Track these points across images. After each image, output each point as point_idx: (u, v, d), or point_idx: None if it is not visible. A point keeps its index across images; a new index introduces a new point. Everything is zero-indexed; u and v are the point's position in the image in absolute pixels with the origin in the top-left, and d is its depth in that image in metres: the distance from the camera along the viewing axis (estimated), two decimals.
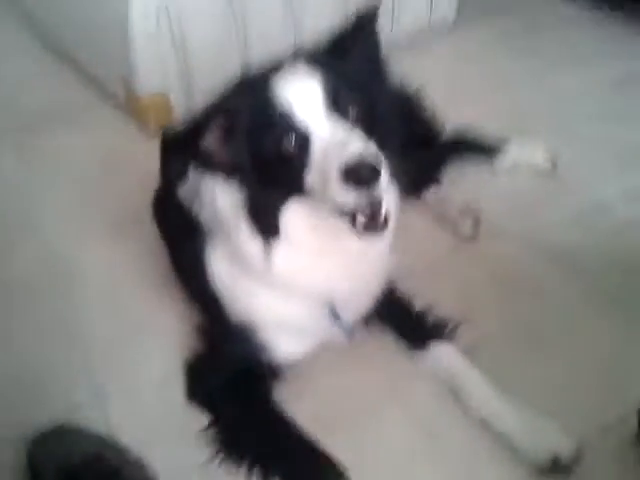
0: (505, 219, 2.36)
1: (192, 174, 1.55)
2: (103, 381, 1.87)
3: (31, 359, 1.92)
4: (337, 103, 1.35)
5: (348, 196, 1.27)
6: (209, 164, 1.42)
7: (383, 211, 1.35)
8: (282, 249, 1.49)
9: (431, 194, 2.42)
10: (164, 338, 1.97)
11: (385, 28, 3.30)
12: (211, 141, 1.39)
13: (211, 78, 2.55)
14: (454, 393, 1.77)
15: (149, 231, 2.09)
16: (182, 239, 1.79)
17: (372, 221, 1.35)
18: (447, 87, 3.08)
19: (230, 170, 1.43)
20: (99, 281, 2.18)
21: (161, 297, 2.07)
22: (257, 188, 1.43)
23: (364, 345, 1.90)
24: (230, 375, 1.71)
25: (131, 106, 2.87)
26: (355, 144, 1.27)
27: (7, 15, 3.68)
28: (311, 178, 1.34)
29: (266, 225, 1.46)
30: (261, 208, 1.45)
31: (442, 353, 1.82)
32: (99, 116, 2.94)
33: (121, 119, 2.91)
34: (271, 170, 1.39)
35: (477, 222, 2.28)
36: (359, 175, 1.24)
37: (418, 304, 1.95)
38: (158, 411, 1.79)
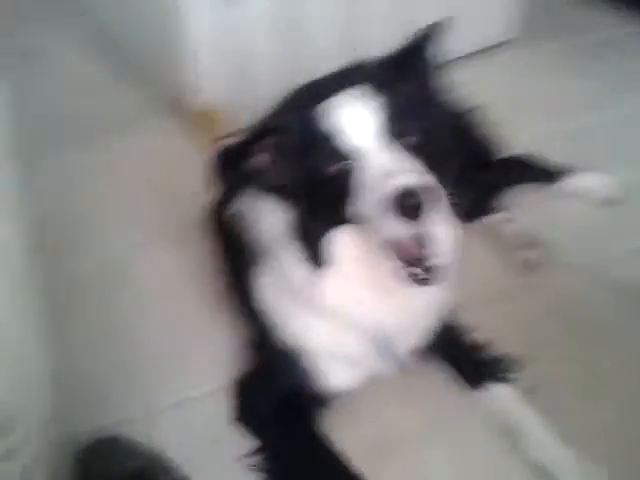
0: (569, 250, 2.28)
1: (244, 193, 1.53)
2: (154, 396, 1.86)
3: (85, 367, 1.92)
4: (393, 130, 1.30)
5: (397, 227, 1.23)
6: (259, 181, 1.39)
7: (440, 264, 1.31)
8: (330, 277, 1.44)
9: (491, 221, 2.35)
10: (215, 354, 1.95)
11: (447, 41, 3.24)
12: (262, 157, 1.36)
13: (267, 94, 2.62)
14: (511, 436, 1.71)
15: (204, 242, 2.07)
16: (233, 257, 1.77)
17: (428, 275, 1.32)
18: (508, 105, 2.99)
19: (280, 190, 1.39)
20: (154, 290, 2.18)
21: (214, 311, 2.05)
22: (306, 211, 1.39)
23: (417, 378, 1.85)
24: (277, 400, 1.68)
25: (186, 118, 2.87)
26: (407, 174, 1.22)
27: (78, 26, 3.72)
28: (360, 206, 1.30)
29: (315, 251, 1.42)
30: (310, 233, 1.41)
31: (500, 395, 1.76)
32: (156, 126, 2.94)
33: (177, 130, 2.91)
34: (321, 194, 1.35)
35: (540, 253, 2.21)
36: (407, 205, 1.20)
37: (476, 339, 1.89)
38: (206, 430, 1.77)
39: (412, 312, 1.54)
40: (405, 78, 1.40)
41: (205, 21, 2.56)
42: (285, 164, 1.36)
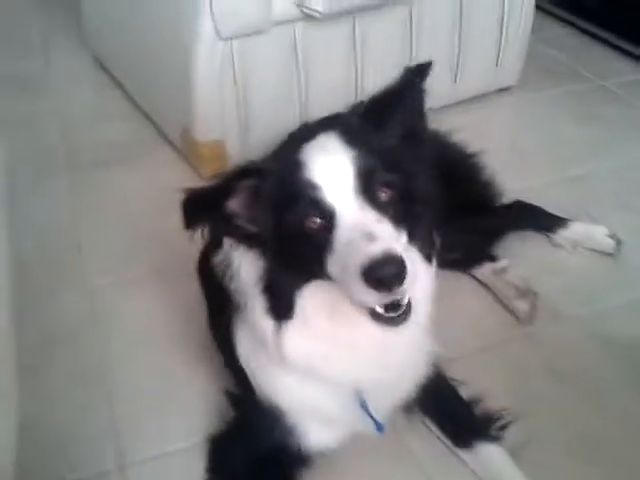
0: (563, 301, 2.24)
1: (227, 243, 1.49)
2: (130, 448, 1.80)
3: (59, 418, 1.87)
4: (369, 185, 1.24)
5: (367, 295, 1.19)
6: (230, 227, 1.33)
7: (404, 302, 1.25)
8: (296, 332, 1.38)
9: (486, 269, 2.31)
10: (195, 405, 1.90)
11: (447, 86, 3.27)
12: (236, 201, 1.31)
13: (269, 129, 2.63)
14: None
15: (193, 284, 2.01)
16: (217, 307, 1.73)
17: (391, 313, 1.26)
18: (507, 152, 3.01)
19: (252, 238, 1.35)
20: (138, 334, 2.13)
21: (197, 358, 2.00)
22: (277, 263, 1.34)
23: (402, 435, 1.80)
24: (254, 458, 1.62)
25: (188, 151, 2.87)
26: (380, 242, 1.17)
27: (78, 54, 3.77)
28: (333, 264, 1.25)
29: (280, 303, 1.37)
30: (278, 284, 1.36)
31: (488, 454, 1.70)
32: (156, 158, 2.95)
33: (177, 162, 2.92)
34: (293, 246, 1.30)
35: (535, 304, 2.17)
36: (380, 278, 1.15)
37: (466, 393, 1.84)
38: None
39: (390, 370, 1.47)
40: (384, 126, 1.36)
41: (213, 57, 2.56)
42: (259, 211, 1.31)
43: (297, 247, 1.29)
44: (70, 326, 2.15)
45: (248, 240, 1.35)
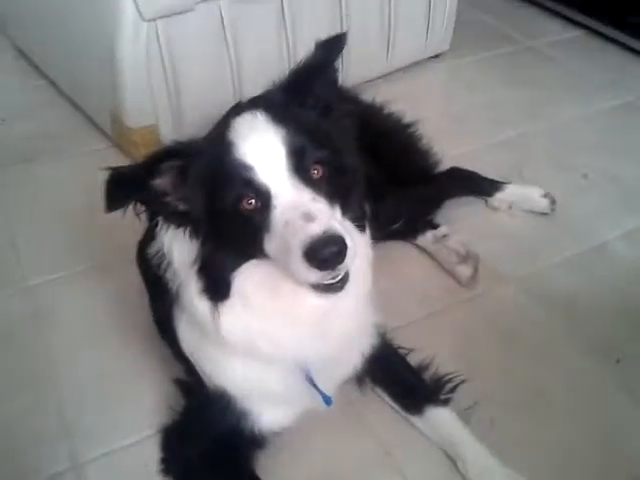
0: (504, 263, 2.30)
1: (160, 232, 1.46)
2: (82, 447, 1.77)
3: (11, 417, 1.83)
4: (301, 164, 1.25)
5: (310, 275, 1.20)
6: (158, 205, 1.30)
7: (341, 271, 1.25)
8: (233, 311, 1.37)
9: (427, 237, 2.35)
10: (146, 397, 1.87)
11: (381, 57, 3.26)
12: (163, 181, 1.29)
13: (202, 111, 2.58)
14: (451, 460, 1.70)
15: (134, 275, 1.95)
16: (157, 297, 1.70)
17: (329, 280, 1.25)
18: (442, 118, 3.05)
19: (182, 218, 1.33)
20: (81, 330, 2.08)
21: (144, 350, 1.97)
22: (211, 243, 1.32)
23: (355, 407, 1.83)
24: (208, 444, 1.61)
25: (120, 138, 2.79)
26: (319, 222, 1.18)
27: (1, 49, 3.59)
28: (271, 244, 1.25)
29: (216, 283, 1.35)
30: (213, 265, 1.34)
31: (439, 419, 1.74)
32: (87, 147, 2.87)
33: (110, 150, 2.84)
34: (227, 226, 1.29)
35: (476, 267, 2.21)
36: (322, 258, 1.16)
37: (415, 360, 1.87)
38: None
39: (333, 342, 1.46)
40: (305, 102, 1.36)
41: (138, 40, 2.48)
42: (188, 190, 1.29)
43: (232, 227, 1.28)
44: (10, 326, 2.09)
45: (179, 218, 1.33)
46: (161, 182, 1.29)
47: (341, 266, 1.20)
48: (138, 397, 1.87)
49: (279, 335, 1.41)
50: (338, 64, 1.39)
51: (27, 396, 1.88)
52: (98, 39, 2.58)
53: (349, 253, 1.19)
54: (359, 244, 1.36)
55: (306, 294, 1.31)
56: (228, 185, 1.24)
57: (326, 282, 1.24)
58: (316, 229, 1.17)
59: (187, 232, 1.34)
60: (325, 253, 1.16)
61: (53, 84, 3.21)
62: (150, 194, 1.28)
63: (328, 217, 1.21)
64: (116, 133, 2.80)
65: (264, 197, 1.23)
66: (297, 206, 1.21)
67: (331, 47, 1.37)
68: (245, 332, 1.40)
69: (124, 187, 1.24)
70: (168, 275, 1.46)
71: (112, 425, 1.81)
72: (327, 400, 1.58)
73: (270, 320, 1.39)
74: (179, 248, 1.41)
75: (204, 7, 2.57)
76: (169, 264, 1.45)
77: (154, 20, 2.47)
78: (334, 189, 1.29)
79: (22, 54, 3.46)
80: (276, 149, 1.24)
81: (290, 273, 1.24)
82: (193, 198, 1.30)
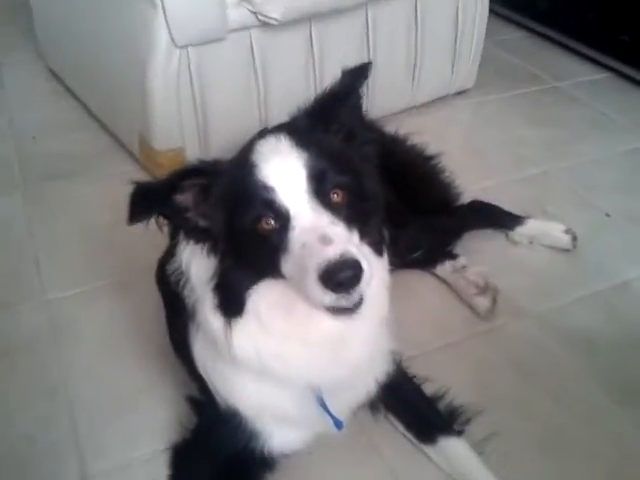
0: (523, 297, 2.28)
1: (180, 251, 1.49)
2: (92, 459, 1.77)
3: (25, 428, 1.84)
4: (321, 188, 1.26)
5: (325, 297, 1.20)
6: (180, 219, 1.33)
7: (356, 294, 1.24)
8: (246, 329, 1.37)
9: (447, 266, 2.34)
10: (158, 412, 1.87)
11: (406, 90, 3.31)
12: (185, 197, 1.31)
13: (228, 136, 2.62)
14: None
15: (153, 293, 1.97)
16: (174, 314, 1.71)
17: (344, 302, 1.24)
18: (466, 152, 3.08)
19: (201, 234, 1.35)
20: (98, 344, 2.09)
21: (159, 366, 1.98)
22: (228, 260, 1.34)
23: (367, 433, 1.81)
24: (217, 463, 1.60)
25: (146, 159, 2.85)
26: (336, 245, 1.18)
27: (33, 67, 3.72)
28: (287, 265, 1.26)
29: (230, 300, 1.36)
30: (229, 282, 1.35)
31: (452, 449, 1.71)
32: (114, 168, 2.91)
33: (136, 172, 2.87)
34: (245, 245, 1.30)
35: (495, 300, 2.20)
36: (337, 281, 1.17)
37: (429, 389, 1.85)
38: None
39: (346, 366, 1.45)
40: (329, 127, 1.38)
41: (170, 65, 2.54)
42: (209, 207, 1.32)
43: (250, 246, 1.29)
44: (29, 339, 2.11)
45: (198, 234, 1.35)
46: (183, 198, 1.32)
47: (356, 290, 1.21)
48: (150, 412, 1.87)
49: (291, 356, 1.40)
50: (363, 92, 1.42)
51: (43, 407, 1.89)
52: (130, 63, 2.65)
53: (365, 277, 1.19)
54: (376, 268, 1.36)
55: (321, 316, 1.30)
56: (248, 205, 1.26)
57: (341, 305, 1.24)
58: (333, 252, 1.17)
59: (205, 249, 1.36)
60: (341, 277, 1.17)
61: (84, 106, 3.29)
62: (172, 209, 1.31)
63: (345, 241, 1.22)
64: (143, 155, 2.85)
65: (283, 218, 1.24)
66: (315, 228, 1.22)
67: (356, 75, 1.39)
68: (257, 351, 1.39)
69: (147, 200, 1.27)
70: (185, 292, 1.47)
71: (123, 439, 1.81)
72: (338, 424, 1.57)
73: (283, 341, 1.39)
74: (197, 264, 1.42)
75: (235, 36, 2.63)
76: (187, 281, 1.47)
77: (186, 47, 2.54)
78: (353, 214, 1.30)
79: (55, 76, 3.57)
80: (297, 172, 1.26)
81: (305, 294, 1.24)
82: (213, 216, 1.32)
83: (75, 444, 1.80)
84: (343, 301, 1.22)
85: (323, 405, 1.51)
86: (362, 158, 1.42)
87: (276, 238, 1.25)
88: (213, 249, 1.35)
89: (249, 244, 1.29)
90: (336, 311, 1.26)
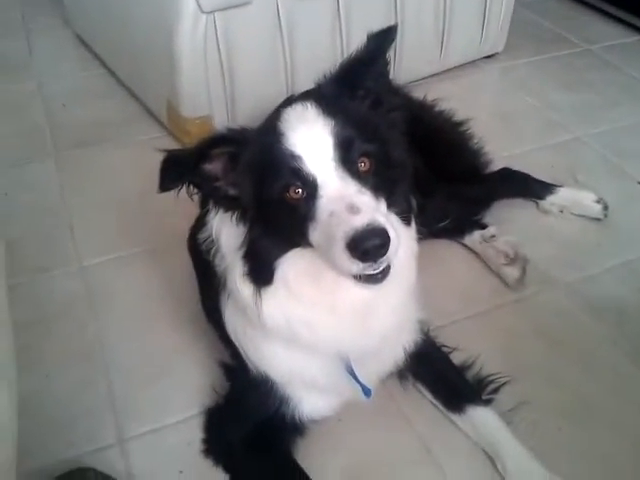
0: (553, 266, 2.27)
1: (210, 219, 1.50)
2: (128, 423, 1.82)
3: (62, 391, 1.88)
4: (348, 156, 1.26)
5: (352, 266, 1.21)
6: (209, 188, 1.34)
7: (383, 263, 1.24)
8: (275, 297, 1.39)
9: (475, 236, 2.33)
10: (191, 377, 1.92)
11: (434, 54, 3.25)
12: (215, 165, 1.32)
13: (255, 103, 2.61)
14: (491, 460, 1.70)
15: (185, 259, 2.00)
16: (206, 282, 1.73)
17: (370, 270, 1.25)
18: (495, 119, 3.03)
19: (231, 202, 1.36)
20: (132, 310, 2.13)
21: (191, 331, 2.02)
22: (258, 229, 1.35)
23: (396, 401, 1.83)
24: (249, 428, 1.64)
25: (174, 127, 2.85)
26: (363, 214, 1.18)
27: (60, 33, 3.73)
28: (315, 234, 1.26)
29: (260, 268, 1.37)
30: (259, 250, 1.36)
31: (480, 418, 1.73)
32: (142, 135, 2.93)
33: (164, 139, 2.89)
34: (274, 214, 1.31)
35: (524, 270, 2.19)
36: (364, 250, 1.17)
37: (458, 359, 1.87)
38: (178, 460, 1.72)
39: (374, 335, 1.46)
40: (356, 94, 1.37)
41: (197, 32, 2.53)
42: (238, 176, 1.32)
43: (278, 215, 1.30)
44: (64, 304, 2.15)
45: (228, 203, 1.36)
46: (212, 167, 1.33)
47: (383, 258, 1.21)
48: (184, 378, 1.92)
49: (319, 324, 1.42)
50: (389, 57, 1.40)
51: (79, 371, 1.94)
52: (158, 30, 2.64)
53: (392, 246, 1.20)
54: (403, 237, 1.38)
55: (348, 285, 1.32)
56: (276, 174, 1.27)
57: (367, 273, 1.25)
58: (360, 221, 1.17)
59: (235, 217, 1.37)
60: (368, 245, 1.17)
61: (112, 73, 3.30)
62: (202, 177, 1.32)
63: (373, 210, 1.22)
64: (171, 122, 2.86)
65: (311, 187, 1.25)
66: (343, 197, 1.22)
67: (382, 39, 1.37)
68: (286, 319, 1.41)
69: (177, 169, 1.28)
70: (216, 260, 1.49)
71: (158, 403, 1.85)
72: (366, 392, 1.59)
73: (311, 309, 1.41)
74: (227, 232, 1.44)
75: (261, 0, 2.60)
76: (217, 249, 1.48)
77: (213, 12, 2.52)
78: (380, 182, 1.30)
79: (83, 43, 3.57)
80: (324, 140, 1.26)
81: (333, 263, 1.25)
82: (242, 184, 1.33)
83: (111, 407, 1.85)
84: (370, 270, 1.23)
85: (352, 373, 1.54)
86: (389, 125, 1.41)
87: (304, 207, 1.25)
88: (242, 217, 1.36)
89: (277, 213, 1.30)
90: (363, 279, 1.27)
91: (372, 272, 1.25)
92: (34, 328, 2.04)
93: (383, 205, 1.31)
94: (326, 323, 1.42)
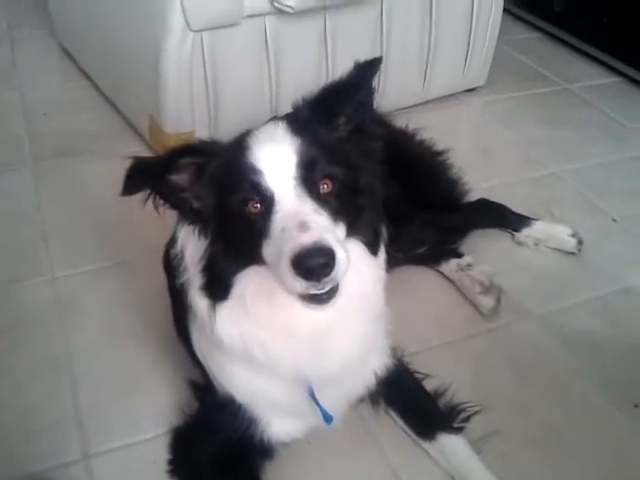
0: (526, 297, 2.29)
1: (177, 232, 1.50)
2: (94, 438, 1.78)
3: (29, 403, 1.85)
4: (310, 176, 1.26)
5: (296, 284, 1.19)
6: (176, 200, 1.33)
7: (327, 284, 1.22)
8: (230, 313, 1.38)
9: (452, 264, 2.34)
10: (160, 395, 1.88)
11: (417, 85, 3.30)
12: (181, 176, 1.31)
13: (239, 123, 2.60)
14: None
15: (159, 274, 1.96)
16: (177, 300, 1.70)
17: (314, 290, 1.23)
18: (474, 150, 3.08)
19: (194, 215, 1.35)
20: (103, 323, 2.10)
21: (163, 349, 1.98)
22: (217, 243, 1.34)
23: (367, 426, 1.82)
24: (216, 449, 1.61)
25: (155, 142, 2.84)
26: (312, 232, 1.18)
27: (45, 44, 3.73)
28: (268, 249, 1.25)
29: (216, 283, 1.37)
30: (216, 264, 1.36)
31: (450, 446, 1.72)
32: (122, 149, 2.88)
33: (144, 153, 2.87)
34: (233, 228, 1.31)
35: (499, 300, 2.21)
36: (307, 267, 1.16)
37: (430, 386, 1.86)
38: (143, 478, 1.69)
39: (333, 361, 1.44)
40: (333, 119, 1.37)
41: (183, 50, 2.54)
42: (202, 188, 1.32)
43: (236, 229, 1.30)
44: (34, 315, 2.12)
45: (192, 215, 1.36)
46: (179, 178, 1.32)
47: (327, 278, 1.19)
48: (152, 395, 1.88)
49: (274, 345, 1.40)
50: (374, 88, 1.40)
51: (46, 383, 1.90)
52: (144, 46, 2.65)
53: (338, 267, 1.18)
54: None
55: (303, 308, 1.30)
56: (237, 187, 1.27)
57: (312, 292, 1.23)
58: (308, 239, 1.17)
59: (197, 230, 1.37)
60: (311, 263, 1.16)
61: (95, 86, 3.30)
62: (168, 188, 1.31)
63: (323, 229, 1.21)
64: (153, 137, 2.85)
65: (268, 201, 1.24)
66: (296, 214, 1.22)
67: (366, 69, 1.38)
68: (240, 336, 1.40)
69: (143, 175, 1.27)
70: (180, 273, 1.49)
71: (124, 420, 1.82)
72: (327, 418, 1.57)
73: (266, 328, 1.39)
74: (191, 246, 1.44)
75: (250, 22, 2.63)
76: (182, 262, 1.48)
77: (201, 31, 2.53)
78: (343, 207, 1.30)
79: (68, 54, 3.57)
80: (287, 158, 1.26)
81: (280, 281, 1.24)
82: (205, 197, 1.33)
83: (77, 422, 1.81)
84: (314, 289, 1.21)
85: (313, 397, 1.52)
86: (363, 153, 1.40)
87: (260, 222, 1.25)
88: (204, 230, 1.36)
89: (236, 227, 1.30)
90: (307, 299, 1.26)
91: (317, 292, 1.23)
92: (4, 337, 2.00)
93: (341, 229, 1.31)
94: (280, 344, 1.41)
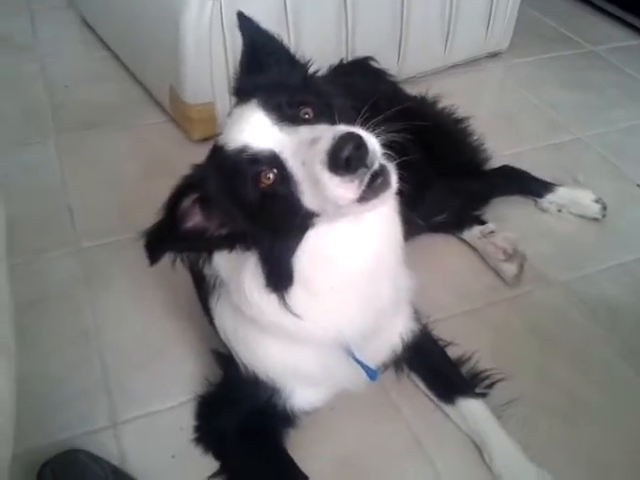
0: (549, 265, 2.28)
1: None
2: (121, 406, 1.82)
3: (58, 372, 1.89)
4: (285, 112, 1.24)
5: (346, 188, 1.13)
6: (204, 243, 1.32)
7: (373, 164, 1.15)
8: (301, 295, 1.35)
9: (474, 231, 2.33)
10: (185, 364, 1.92)
11: (438, 50, 3.25)
12: (194, 221, 1.30)
13: None
14: (481, 452, 1.71)
15: None
16: (198, 280, 1.73)
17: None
18: (496, 116, 3.03)
19: (231, 240, 1.32)
20: (128, 294, 2.13)
21: (187, 319, 2.01)
22: (264, 242, 1.31)
23: (389, 392, 1.85)
24: (240, 418, 1.65)
25: (177, 113, 2.85)
26: (325, 136, 1.13)
27: (65, 15, 3.71)
28: (308, 196, 1.20)
29: (280, 273, 1.32)
30: (274, 259, 1.31)
31: (471, 409, 1.74)
32: (144, 120, 2.92)
33: (166, 124, 2.89)
34: (268, 213, 1.26)
35: (522, 267, 2.20)
36: (346, 158, 1.10)
37: (453, 352, 1.88)
38: (170, 445, 1.73)
39: (376, 319, 1.46)
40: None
41: (202, 18, 2.51)
42: (219, 212, 1.30)
43: (272, 210, 1.26)
44: (61, 286, 2.15)
45: (229, 243, 1.33)
46: (193, 223, 1.31)
47: (369, 159, 1.13)
48: (178, 363, 1.92)
49: (332, 312, 1.39)
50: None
51: (74, 352, 1.94)
52: (163, 15, 2.63)
53: (370, 145, 1.13)
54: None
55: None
56: (242, 177, 1.24)
57: (366, 185, 1.15)
58: (326, 140, 1.13)
59: (239, 249, 1.34)
60: (345, 151, 1.10)
61: (116, 57, 3.28)
62: (191, 238, 1.31)
63: (331, 129, 1.17)
64: (173, 108, 2.85)
65: (273, 160, 1.21)
66: (301, 142, 1.19)
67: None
68: (310, 313, 1.37)
69: (160, 243, 1.28)
70: (205, 270, 1.50)
71: (152, 387, 1.86)
72: (372, 374, 1.58)
73: (325, 297, 1.37)
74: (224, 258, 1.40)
75: None
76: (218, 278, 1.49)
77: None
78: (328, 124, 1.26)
79: (87, 26, 3.55)
80: (256, 115, 1.24)
81: (335, 207, 1.18)
82: (227, 216, 1.30)
83: (105, 390, 1.86)
84: (365, 178, 1.14)
85: (354, 357, 1.53)
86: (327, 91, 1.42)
87: (283, 182, 1.21)
88: (245, 244, 1.33)
89: (271, 208, 1.25)
90: (371, 195, 1.17)
91: (369, 179, 1.15)
92: (32, 308, 2.03)
93: None
94: (337, 310, 1.39)
